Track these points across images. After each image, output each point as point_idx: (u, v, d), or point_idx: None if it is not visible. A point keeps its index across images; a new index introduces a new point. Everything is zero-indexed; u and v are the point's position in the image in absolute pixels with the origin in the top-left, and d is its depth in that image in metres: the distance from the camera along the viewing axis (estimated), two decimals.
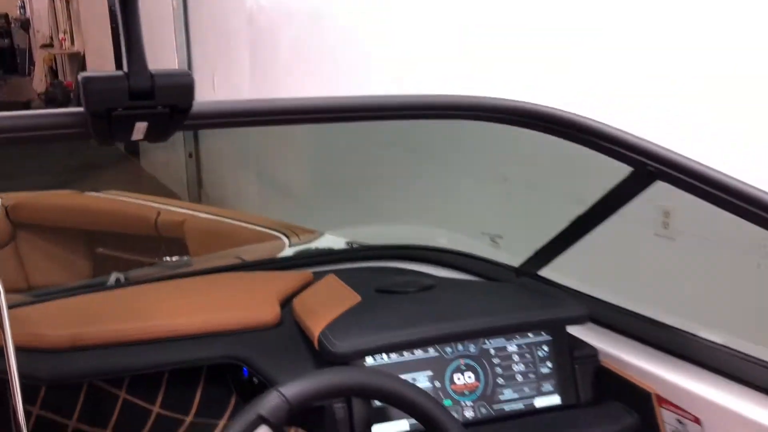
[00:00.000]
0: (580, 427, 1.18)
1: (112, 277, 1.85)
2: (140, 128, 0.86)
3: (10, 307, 1.45)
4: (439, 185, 2.37)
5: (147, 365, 1.23)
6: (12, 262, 2.73)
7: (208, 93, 5.51)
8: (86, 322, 1.28)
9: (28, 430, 1.21)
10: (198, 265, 1.98)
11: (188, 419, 1.27)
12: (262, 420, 0.84)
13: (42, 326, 1.27)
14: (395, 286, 1.37)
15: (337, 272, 1.55)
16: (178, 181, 6.02)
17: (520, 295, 1.35)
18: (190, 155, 6.08)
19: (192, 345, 1.28)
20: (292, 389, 0.88)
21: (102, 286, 1.62)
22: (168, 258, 2.43)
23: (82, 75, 0.76)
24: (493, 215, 1.96)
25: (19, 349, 1.22)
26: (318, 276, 1.54)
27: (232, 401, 1.29)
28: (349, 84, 2.97)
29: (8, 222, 2.69)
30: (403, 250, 1.73)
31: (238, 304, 1.39)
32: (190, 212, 2.36)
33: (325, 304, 1.31)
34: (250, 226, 2.19)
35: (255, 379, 1.23)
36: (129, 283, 1.68)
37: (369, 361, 1.17)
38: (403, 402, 0.93)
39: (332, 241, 2.00)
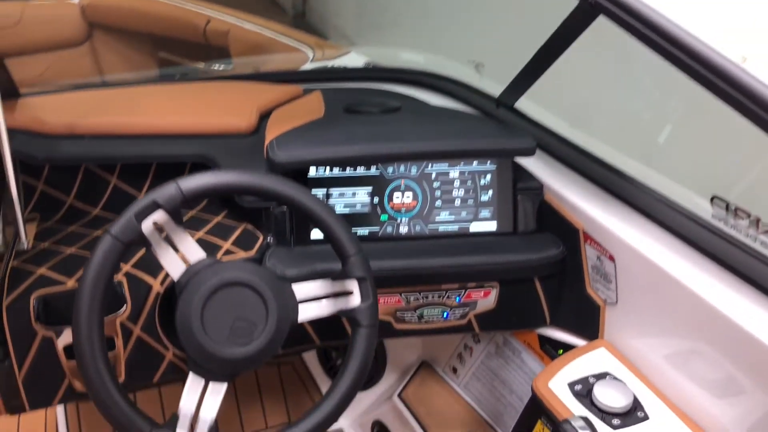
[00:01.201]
0: (507, 251, 1.24)
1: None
2: None
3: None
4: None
5: (128, 156, 1.38)
6: (89, 59, 2.95)
7: None
8: (84, 114, 1.43)
9: (32, 201, 1.42)
10: (224, 72, 2.09)
11: None
12: (156, 205, 0.97)
13: (46, 113, 1.43)
14: (361, 106, 1.43)
15: (327, 90, 1.61)
16: None
17: (477, 124, 1.37)
18: None
19: (172, 142, 1.41)
20: (188, 182, 0.98)
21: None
22: (217, 66, 2.56)
23: None
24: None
25: (22, 131, 1.40)
26: (308, 93, 1.61)
27: None
28: None
29: (85, 20, 2.88)
30: (405, 74, 1.75)
31: (223, 111, 1.49)
32: (237, 22, 2.43)
33: (291, 118, 1.39)
34: (284, 38, 2.25)
35: None
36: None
37: (312, 172, 1.26)
38: (293, 203, 1.02)
39: (354, 60, 2.03)
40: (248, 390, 1.85)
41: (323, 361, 1.90)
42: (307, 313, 1.05)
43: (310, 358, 1.95)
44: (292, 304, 1.03)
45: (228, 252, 1.22)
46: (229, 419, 1.81)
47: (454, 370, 1.61)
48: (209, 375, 1.00)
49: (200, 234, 1.27)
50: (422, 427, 1.54)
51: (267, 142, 1.28)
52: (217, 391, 1.00)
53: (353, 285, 1.04)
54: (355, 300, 1.04)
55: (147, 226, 0.97)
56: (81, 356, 0.93)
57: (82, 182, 1.43)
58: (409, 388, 1.65)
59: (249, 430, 1.80)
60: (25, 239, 1.27)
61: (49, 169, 1.41)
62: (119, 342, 1.15)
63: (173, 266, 1.01)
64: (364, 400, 1.81)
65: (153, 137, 1.42)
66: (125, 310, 1.14)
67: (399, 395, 1.64)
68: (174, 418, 0.97)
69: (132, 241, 0.96)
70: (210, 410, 0.99)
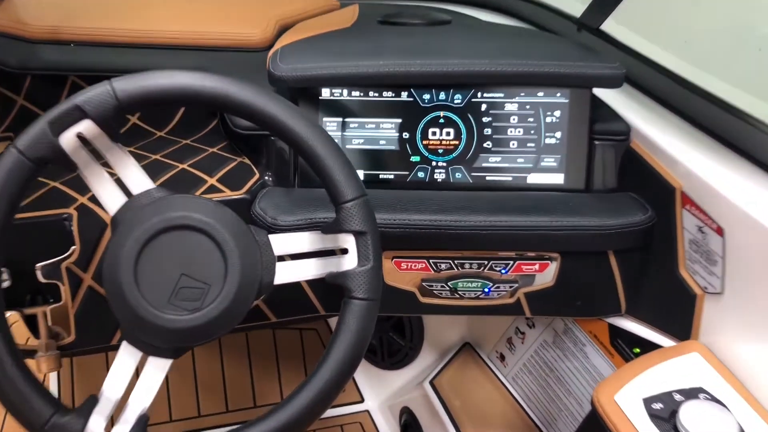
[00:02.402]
0: (575, 213, 0.93)
1: None
2: None
3: None
4: None
5: (117, 67, 1.14)
6: None
7: None
8: (73, 17, 1.20)
9: (10, 117, 1.21)
10: None
11: (160, 133, 1.19)
12: (80, 112, 0.70)
13: (29, 16, 1.20)
14: (401, 17, 1.12)
15: (368, 4, 1.32)
16: None
17: (547, 43, 1.05)
18: None
19: (171, 54, 1.17)
20: (126, 83, 0.72)
21: None
22: None
23: None
24: None
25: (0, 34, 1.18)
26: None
27: (213, 122, 1.19)
28: None
29: None
30: None
31: (236, 20, 1.22)
32: None
33: (310, 29, 1.11)
34: None
35: None
36: None
37: (325, 93, 0.98)
38: (269, 122, 0.74)
39: None
40: (264, 357, 1.62)
41: None
42: (286, 274, 0.78)
43: None
44: (267, 260, 0.76)
45: (211, 189, 0.96)
46: (241, 390, 1.58)
47: (502, 358, 1.31)
48: (147, 347, 0.75)
49: (184, 165, 1.01)
50: (455, 423, 1.26)
51: (271, 52, 1.01)
52: (157, 370, 0.75)
53: (349, 241, 0.76)
54: (350, 261, 0.76)
55: (69, 140, 0.71)
56: None
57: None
58: (446, 374, 1.37)
59: (262, 403, 1.57)
60: None
61: (31, 81, 1.19)
62: (66, 292, 0.92)
63: (109, 197, 0.76)
64: (395, 381, 1.54)
65: (149, 47, 1.17)
66: (73, 252, 0.90)
67: (431, 381, 1.36)
68: (90, 402, 0.72)
69: (44, 159, 0.71)
70: (143, 394, 0.74)
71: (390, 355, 1.54)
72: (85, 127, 0.71)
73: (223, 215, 0.74)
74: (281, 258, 0.78)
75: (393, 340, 1.52)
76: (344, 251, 0.77)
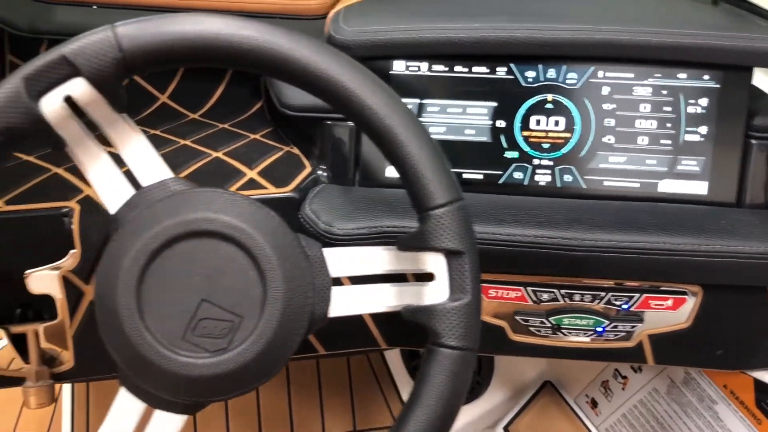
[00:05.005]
0: (724, 235, 0.70)
1: None
2: None
3: None
4: None
5: None
6: None
7: None
8: None
9: None
10: None
11: (194, 115, 0.99)
12: (70, 67, 0.50)
13: None
14: None
15: None
16: None
17: (692, 11, 0.82)
18: None
19: None
20: (133, 28, 0.51)
21: None
22: None
23: None
24: None
25: None
26: None
27: (258, 104, 0.99)
28: None
29: None
30: None
31: None
32: None
33: None
34: None
35: None
36: None
37: (398, 67, 0.76)
38: (336, 95, 0.53)
39: None
40: (305, 385, 1.41)
41: (407, 359, 1.42)
42: (344, 304, 0.56)
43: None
44: (320, 284, 0.55)
45: (251, 184, 0.75)
46: (277, 418, 1.37)
47: (594, 404, 1.08)
48: (152, 399, 0.54)
49: (218, 153, 0.81)
50: None
51: (332, 12, 0.80)
52: (166, 427, 0.54)
53: (437, 263, 0.54)
54: (438, 292, 0.54)
55: (53, 105, 0.51)
56: None
57: None
58: (524, 419, 1.14)
59: None
60: None
61: (48, 47, 1.01)
62: (63, 307, 0.72)
63: (108, 188, 0.55)
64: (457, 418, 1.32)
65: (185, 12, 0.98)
66: (72, 257, 0.71)
67: (506, 427, 1.13)
68: None
69: (17, 130, 0.50)
70: None
71: None
72: (77, 88, 0.51)
73: (263, 219, 0.53)
74: (337, 281, 0.57)
75: None
76: (428, 277, 0.55)
